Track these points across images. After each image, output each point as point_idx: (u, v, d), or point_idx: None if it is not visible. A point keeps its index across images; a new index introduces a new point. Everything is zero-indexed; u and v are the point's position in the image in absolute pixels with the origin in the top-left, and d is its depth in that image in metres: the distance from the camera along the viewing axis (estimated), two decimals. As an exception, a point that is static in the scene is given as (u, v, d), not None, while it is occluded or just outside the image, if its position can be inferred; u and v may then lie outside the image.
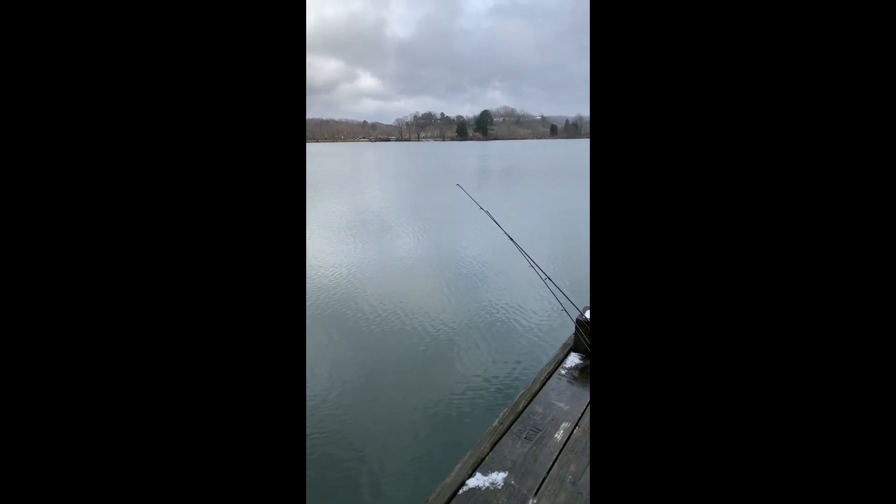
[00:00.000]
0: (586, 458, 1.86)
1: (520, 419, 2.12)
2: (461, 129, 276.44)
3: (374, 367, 5.64)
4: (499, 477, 1.75)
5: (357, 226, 13.29)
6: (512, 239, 2.62)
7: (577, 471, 1.80)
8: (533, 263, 2.55)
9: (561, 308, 2.70)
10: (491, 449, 1.92)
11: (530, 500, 1.65)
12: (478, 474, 1.77)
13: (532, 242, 11.06)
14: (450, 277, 8.75)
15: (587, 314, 2.74)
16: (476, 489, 1.70)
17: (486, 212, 2.90)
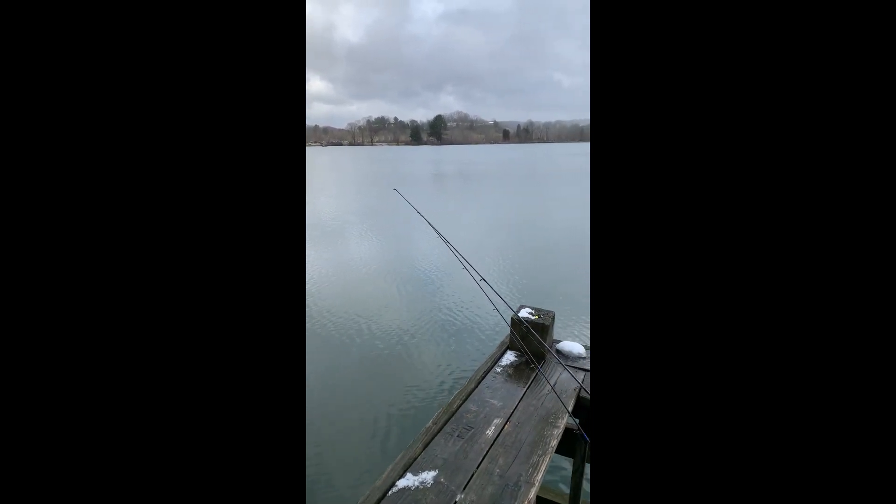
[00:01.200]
0: (515, 451, 1.92)
1: (453, 418, 2.16)
2: (415, 134, 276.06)
3: (329, 370, 5.52)
4: (429, 476, 1.78)
5: (309, 230, 12.95)
6: (447, 242, 2.67)
7: (506, 463, 1.86)
8: (466, 265, 2.62)
9: (493, 308, 2.77)
10: (423, 449, 1.94)
11: (458, 496, 1.69)
12: (408, 474, 1.79)
13: (476, 246, 11.23)
14: (400, 281, 8.72)
15: (521, 313, 2.84)
16: (406, 489, 1.71)
17: (423, 215, 2.94)
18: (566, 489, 3.42)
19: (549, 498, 3.06)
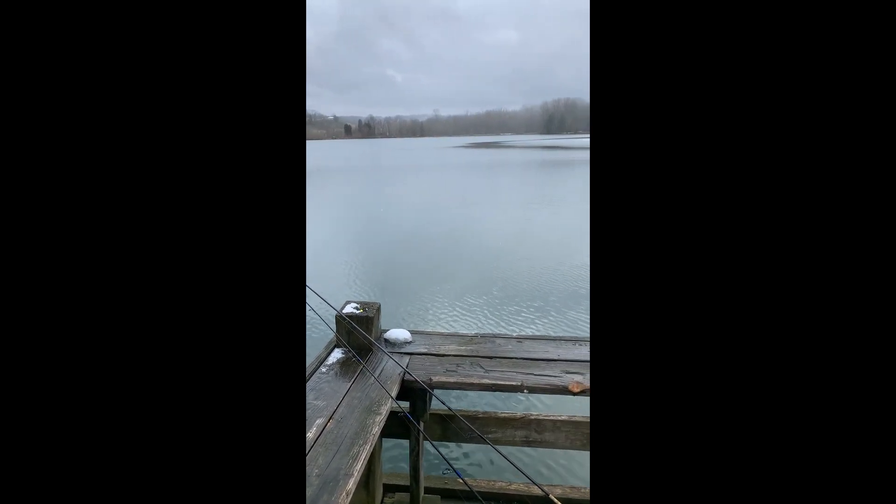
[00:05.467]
0: (336, 447, 1.93)
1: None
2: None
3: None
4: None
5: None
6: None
7: (325, 462, 1.85)
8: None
9: (310, 308, 2.72)
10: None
11: None
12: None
13: (322, 245, 10.88)
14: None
15: (346, 308, 2.84)
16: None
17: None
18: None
19: (396, 482, 3.16)
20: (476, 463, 3.72)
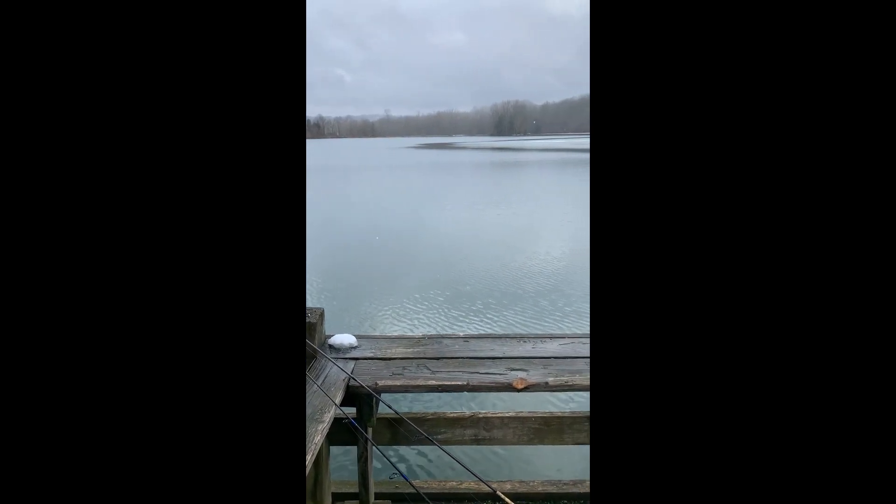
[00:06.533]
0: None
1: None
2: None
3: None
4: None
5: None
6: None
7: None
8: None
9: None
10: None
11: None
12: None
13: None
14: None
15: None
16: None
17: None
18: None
19: (344, 490, 3.10)
20: (429, 465, 3.71)
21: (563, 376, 2.50)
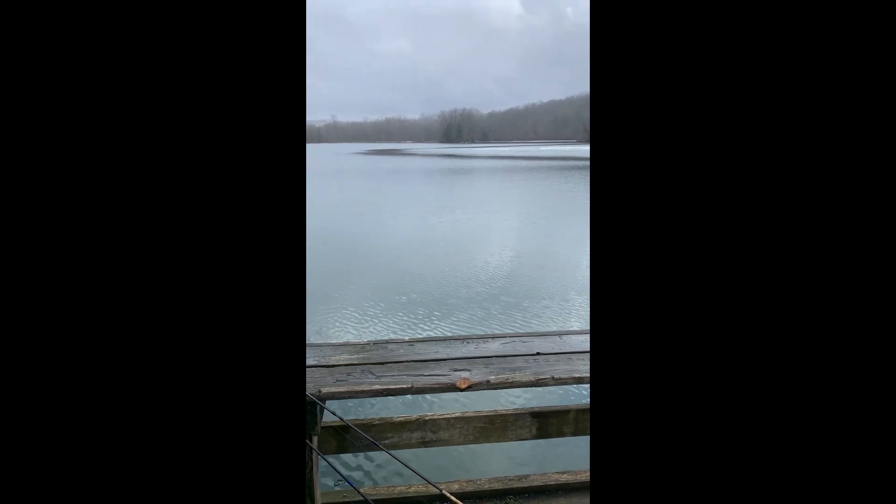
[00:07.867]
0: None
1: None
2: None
3: None
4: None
5: None
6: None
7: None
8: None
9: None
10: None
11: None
12: None
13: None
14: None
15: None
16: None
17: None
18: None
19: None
20: (378, 470, 3.69)
21: (503, 374, 2.60)
